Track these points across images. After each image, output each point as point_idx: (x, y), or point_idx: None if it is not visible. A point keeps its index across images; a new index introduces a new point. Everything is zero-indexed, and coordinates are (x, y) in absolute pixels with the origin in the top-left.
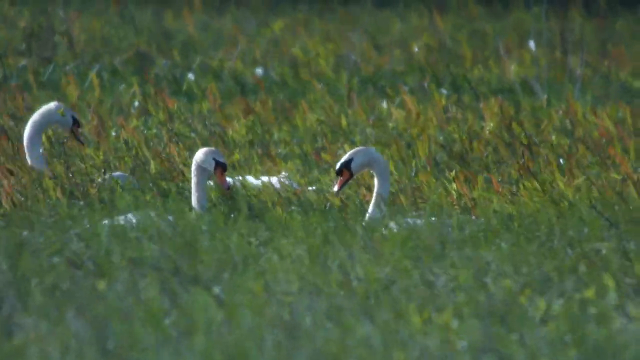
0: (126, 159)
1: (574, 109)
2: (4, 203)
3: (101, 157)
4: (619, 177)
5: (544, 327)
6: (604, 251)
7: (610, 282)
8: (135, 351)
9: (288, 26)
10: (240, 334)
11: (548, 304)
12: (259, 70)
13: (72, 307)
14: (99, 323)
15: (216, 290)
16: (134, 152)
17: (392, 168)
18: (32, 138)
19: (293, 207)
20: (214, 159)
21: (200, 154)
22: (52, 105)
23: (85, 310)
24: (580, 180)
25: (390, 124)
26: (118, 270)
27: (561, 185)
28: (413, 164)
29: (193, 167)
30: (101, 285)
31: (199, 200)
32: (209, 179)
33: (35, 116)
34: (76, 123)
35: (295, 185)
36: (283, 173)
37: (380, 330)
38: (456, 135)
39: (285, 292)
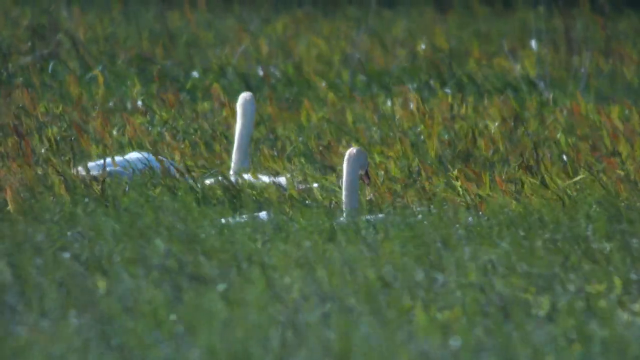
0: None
1: (579, 107)
2: (8, 200)
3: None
4: (622, 173)
5: (549, 324)
6: (608, 248)
7: (615, 279)
8: (139, 349)
9: (292, 25)
10: (244, 332)
11: (553, 301)
12: (260, 71)
13: (76, 304)
14: (103, 320)
15: (220, 287)
16: (137, 149)
17: (395, 167)
18: (247, 127)
19: (298, 205)
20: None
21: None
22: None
23: (89, 308)
24: (583, 175)
25: (395, 123)
26: (122, 268)
27: (565, 182)
28: (417, 162)
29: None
30: (105, 282)
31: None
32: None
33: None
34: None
35: (299, 183)
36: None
37: (384, 328)
38: (461, 134)
39: (289, 289)
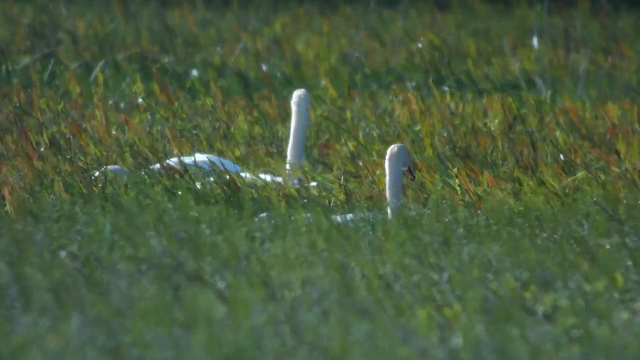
0: (127, 155)
1: (577, 105)
2: (7, 199)
3: (104, 153)
4: (619, 171)
5: (548, 323)
6: (608, 247)
7: (614, 278)
8: (138, 348)
9: (291, 24)
10: (243, 331)
11: (552, 300)
12: (263, 67)
13: (74, 304)
14: (102, 320)
15: (219, 286)
16: (136, 148)
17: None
18: (301, 125)
19: (297, 204)
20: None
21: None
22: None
23: (88, 307)
24: (581, 174)
25: (394, 121)
26: (121, 267)
27: (564, 181)
28: (417, 160)
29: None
30: (103, 281)
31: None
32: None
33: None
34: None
35: (297, 182)
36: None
37: (383, 327)
38: (460, 132)
39: (288, 288)
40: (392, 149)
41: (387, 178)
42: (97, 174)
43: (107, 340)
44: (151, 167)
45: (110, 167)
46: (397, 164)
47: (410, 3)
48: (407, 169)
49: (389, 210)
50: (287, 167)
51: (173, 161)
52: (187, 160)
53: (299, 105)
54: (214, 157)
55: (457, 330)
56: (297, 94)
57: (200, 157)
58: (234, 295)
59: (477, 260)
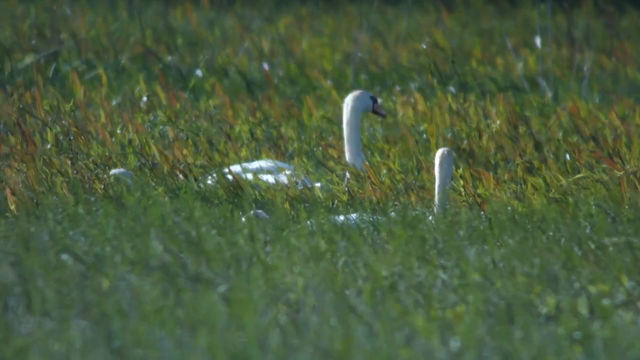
0: (130, 156)
1: (581, 105)
2: (10, 199)
3: (107, 154)
4: (621, 173)
5: (551, 324)
6: (611, 248)
7: (617, 280)
8: (140, 349)
9: (294, 23)
10: (245, 332)
11: (555, 301)
12: (265, 67)
13: (77, 305)
14: (104, 321)
15: (221, 287)
16: (139, 149)
17: (398, 165)
18: (354, 126)
19: (300, 204)
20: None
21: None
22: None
23: (90, 308)
24: (584, 174)
25: (398, 121)
26: (123, 268)
27: (567, 181)
28: (421, 160)
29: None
30: (106, 283)
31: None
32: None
33: (350, 105)
34: (375, 101)
35: (300, 182)
36: (287, 172)
37: (386, 328)
38: (463, 133)
39: (290, 289)
40: (443, 152)
41: (437, 180)
42: (102, 174)
43: (110, 342)
44: (206, 175)
45: (114, 171)
46: (447, 167)
47: (413, 2)
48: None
49: (435, 211)
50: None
51: (233, 168)
52: (251, 166)
53: (348, 105)
54: (277, 163)
55: (459, 331)
56: (349, 97)
57: (265, 163)
58: (237, 296)
59: (480, 261)
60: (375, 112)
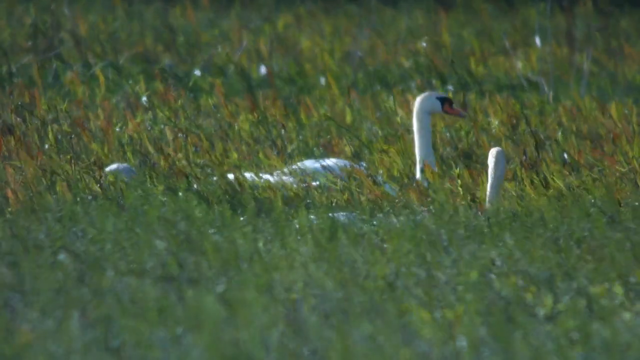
0: (130, 154)
1: (579, 105)
2: (10, 198)
3: (106, 152)
4: (622, 171)
5: (550, 324)
6: (610, 248)
7: (616, 279)
8: (140, 349)
9: (293, 22)
10: (244, 332)
11: (554, 300)
12: (263, 68)
13: (76, 305)
14: (103, 321)
15: (221, 287)
16: (138, 148)
17: (399, 164)
18: (422, 129)
19: (299, 204)
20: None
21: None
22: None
23: (89, 309)
24: (584, 174)
25: (398, 120)
26: (122, 267)
27: (567, 181)
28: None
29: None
30: (105, 282)
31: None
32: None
33: (416, 107)
34: (447, 101)
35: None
36: (285, 170)
37: (385, 327)
38: (462, 132)
39: (290, 289)
40: (498, 151)
41: (489, 178)
42: (106, 170)
43: (110, 341)
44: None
45: (120, 166)
46: (502, 165)
47: (413, 2)
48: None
49: (485, 210)
50: (417, 169)
51: (294, 167)
52: (316, 164)
53: (416, 109)
54: (341, 161)
55: (459, 331)
56: (418, 98)
57: (332, 161)
58: (236, 296)
59: (479, 261)
60: (446, 112)
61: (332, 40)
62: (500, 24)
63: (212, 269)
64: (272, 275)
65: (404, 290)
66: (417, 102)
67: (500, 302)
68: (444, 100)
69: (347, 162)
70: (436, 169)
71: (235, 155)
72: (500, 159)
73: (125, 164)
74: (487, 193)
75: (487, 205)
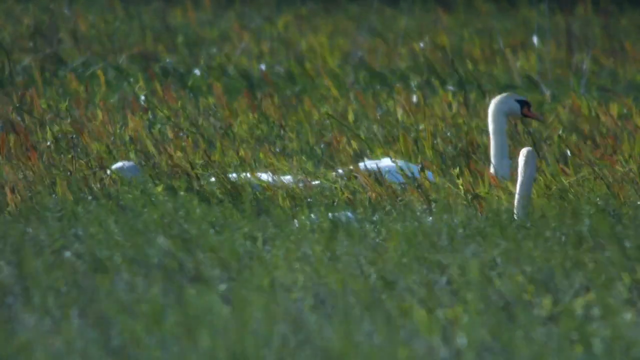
0: (130, 154)
1: (579, 104)
2: (9, 198)
3: (107, 152)
4: (622, 170)
5: (550, 324)
6: (610, 246)
7: (617, 278)
8: (140, 349)
9: (293, 22)
10: (245, 332)
11: (554, 300)
12: (263, 67)
13: (76, 304)
14: (103, 321)
15: (221, 287)
16: (138, 147)
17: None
18: (497, 131)
19: (300, 203)
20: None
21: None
22: (505, 94)
23: (90, 308)
24: (584, 173)
25: (398, 119)
26: (122, 267)
27: (567, 181)
28: (419, 160)
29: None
30: (105, 282)
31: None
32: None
33: (493, 108)
34: (526, 104)
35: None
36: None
37: (386, 327)
38: (462, 132)
39: (291, 289)
40: (528, 152)
41: (518, 180)
42: (112, 168)
43: (110, 341)
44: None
45: (126, 164)
46: (530, 167)
47: (413, 2)
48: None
49: (514, 211)
50: (492, 170)
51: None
52: (374, 164)
53: (492, 110)
54: (400, 162)
55: (459, 330)
56: (494, 99)
57: (385, 162)
58: (237, 296)
59: (479, 260)
60: (525, 115)
61: (332, 40)
62: (500, 24)
63: (212, 269)
64: (273, 275)
65: (404, 289)
66: (494, 103)
67: (500, 301)
68: (523, 103)
69: (412, 165)
70: (509, 171)
71: (235, 155)
72: (531, 159)
73: (131, 162)
74: (517, 192)
75: (516, 203)
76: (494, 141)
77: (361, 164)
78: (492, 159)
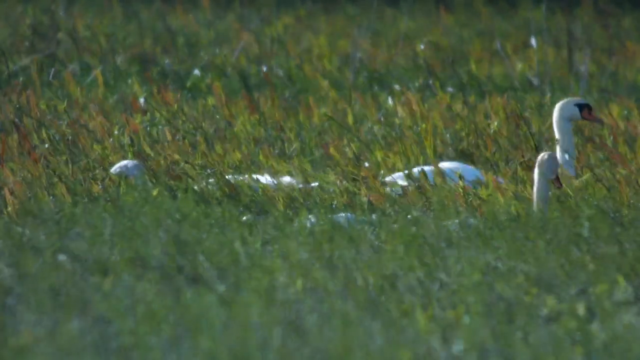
0: (129, 155)
1: None
2: (8, 200)
3: (105, 153)
4: (623, 172)
5: (551, 325)
6: (610, 248)
7: (617, 280)
8: (138, 351)
9: (292, 23)
10: (244, 334)
11: (555, 302)
12: (264, 68)
13: (75, 306)
14: (102, 322)
15: (220, 289)
16: (137, 148)
17: (400, 164)
18: (563, 136)
19: (298, 205)
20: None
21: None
22: (567, 100)
23: (88, 310)
24: (586, 176)
25: (397, 121)
26: (121, 269)
27: (567, 182)
28: (421, 161)
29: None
30: (104, 284)
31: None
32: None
33: (555, 114)
34: (585, 107)
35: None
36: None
37: (385, 328)
38: (462, 133)
39: (289, 290)
40: (542, 156)
41: (535, 185)
42: (115, 167)
43: (108, 343)
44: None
45: (129, 163)
46: (546, 172)
47: (412, 2)
48: (555, 177)
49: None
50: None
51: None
52: (428, 168)
53: (555, 116)
54: (456, 164)
55: (459, 332)
56: (557, 105)
57: (447, 165)
58: (235, 297)
59: (479, 262)
60: (585, 118)
61: (331, 41)
62: (500, 25)
63: (211, 271)
64: (272, 277)
65: (404, 291)
66: (557, 109)
67: (501, 303)
68: (583, 107)
69: (473, 168)
70: (575, 175)
71: (234, 156)
72: (543, 165)
73: (134, 161)
74: (534, 197)
75: (535, 206)
76: (561, 146)
77: (445, 163)
78: (559, 161)
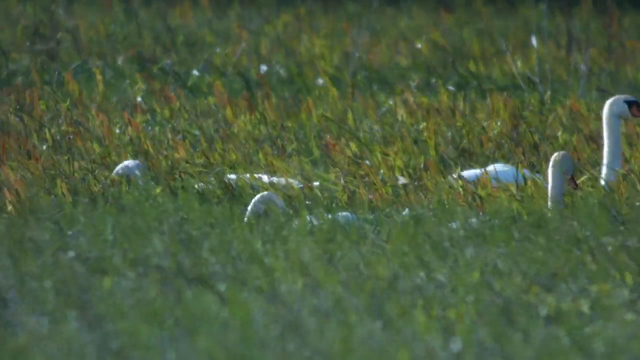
0: (129, 155)
1: (578, 105)
2: (8, 200)
3: (107, 153)
4: (623, 171)
5: (551, 325)
6: (611, 248)
7: (618, 279)
8: (139, 350)
9: (292, 23)
10: (244, 332)
11: (556, 301)
12: (264, 67)
13: (75, 305)
14: (102, 322)
15: (220, 288)
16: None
17: (400, 164)
18: (612, 134)
19: (299, 204)
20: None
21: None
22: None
23: (88, 309)
24: (587, 175)
25: (397, 120)
26: (121, 268)
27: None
28: (422, 160)
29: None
30: (104, 283)
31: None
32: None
33: (605, 111)
34: (634, 104)
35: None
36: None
37: (385, 328)
38: (463, 132)
39: (289, 289)
40: (556, 155)
41: (550, 184)
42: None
43: (108, 342)
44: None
45: (131, 162)
46: (560, 170)
47: (412, 1)
48: (570, 176)
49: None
50: (604, 171)
51: (468, 173)
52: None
53: (605, 114)
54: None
55: (459, 332)
56: (607, 102)
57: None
58: (236, 297)
59: (479, 261)
60: (635, 115)
61: (331, 40)
62: (500, 24)
63: (211, 270)
64: (272, 276)
65: (404, 291)
66: (607, 106)
67: (501, 303)
68: (632, 104)
69: (518, 170)
70: (614, 177)
71: (234, 155)
72: (557, 164)
73: (136, 161)
74: (549, 197)
75: (550, 204)
76: (608, 144)
77: (498, 165)
78: (605, 159)
